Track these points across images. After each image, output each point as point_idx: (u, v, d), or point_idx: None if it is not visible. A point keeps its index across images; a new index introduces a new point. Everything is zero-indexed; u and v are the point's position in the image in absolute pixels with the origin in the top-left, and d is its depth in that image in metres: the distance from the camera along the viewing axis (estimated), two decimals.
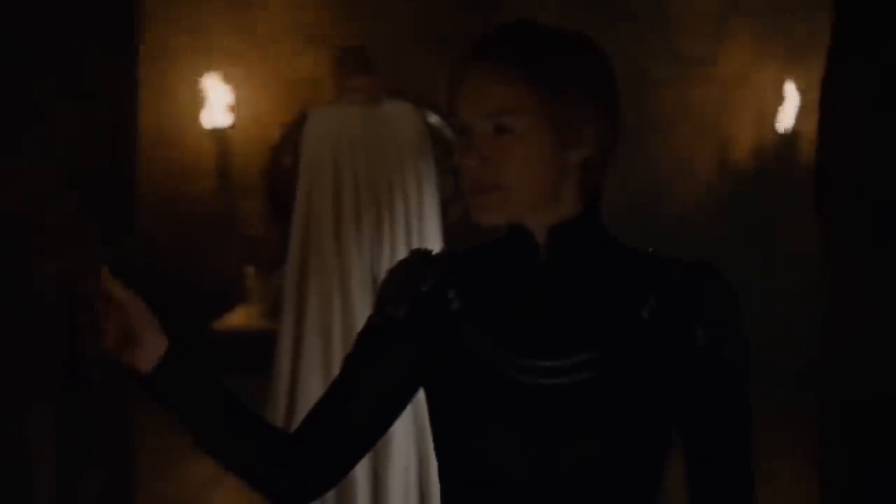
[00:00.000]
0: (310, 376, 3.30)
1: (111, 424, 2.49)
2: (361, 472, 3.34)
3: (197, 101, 4.98)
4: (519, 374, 1.48)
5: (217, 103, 4.98)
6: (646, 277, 1.53)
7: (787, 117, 4.90)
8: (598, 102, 1.52)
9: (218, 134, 5.05)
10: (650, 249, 1.58)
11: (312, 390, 3.21)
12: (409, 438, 3.35)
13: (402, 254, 3.37)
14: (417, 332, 1.54)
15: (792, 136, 4.82)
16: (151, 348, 1.52)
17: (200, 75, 4.94)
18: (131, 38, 2.40)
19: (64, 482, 2.35)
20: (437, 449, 1.52)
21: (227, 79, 4.98)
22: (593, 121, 1.52)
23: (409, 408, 1.59)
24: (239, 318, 4.74)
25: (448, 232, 3.35)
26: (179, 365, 1.54)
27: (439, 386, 1.52)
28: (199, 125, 5.04)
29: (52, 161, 2.18)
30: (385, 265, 3.37)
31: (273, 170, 3.41)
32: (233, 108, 5.04)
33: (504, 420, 1.48)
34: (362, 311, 3.34)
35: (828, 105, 2.70)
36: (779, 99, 4.97)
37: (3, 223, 2.22)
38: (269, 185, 3.45)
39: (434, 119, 3.35)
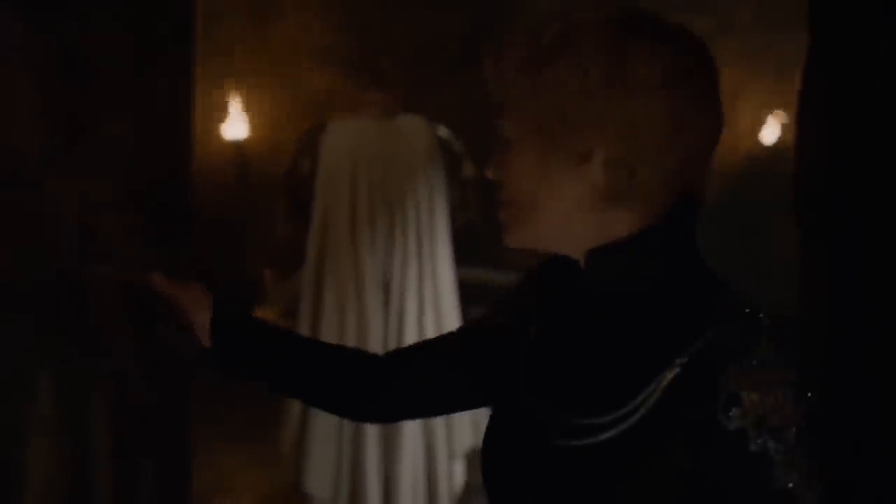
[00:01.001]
0: None
1: (171, 414, 2.55)
2: (372, 467, 3.39)
3: (218, 115, 5.12)
4: (554, 433, 1.29)
5: (236, 116, 5.15)
6: (696, 320, 1.25)
7: (774, 130, 4.97)
8: (601, 101, 1.24)
9: (237, 145, 5.23)
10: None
11: None
12: (417, 435, 3.42)
13: (413, 257, 3.52)
14: (504, 349, 1.40)
15: (779, 148, 4.84)
16: (203, 326, 1.52)
17: (221, 89, 5.05)
18: (187, 50, 2.46)
19: (122, 471, 2.43)
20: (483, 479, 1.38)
21: (246, 94, 5.13)
22: (597, 122, 1.25)
23: None
24: None
25: (455, 238, 3.46)
26: (230, 326, 1.52)
27: (490, 418, 1.40)
28: (220, 136, 5.18)
29: (110, 169, 2.22)
30: (397, 268, 3.48)
31: (292, 174, 3.47)
32: (251, 122, 5.19)
33: (536, 481, 1.31)
34: (375, 313, 3.45)
35: (804, 120, 2.72)
36: (767, 112, 5.04)
37: (64, 228, 2.26)
38: (288, 188, 3.51)
39: (443, 132, 3.46)
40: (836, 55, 2.66)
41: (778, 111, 4.95)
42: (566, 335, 1.33)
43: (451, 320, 3.53)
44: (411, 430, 3.38)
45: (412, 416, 1.60)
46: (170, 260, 2.37)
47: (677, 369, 1.23)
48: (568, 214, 1.28)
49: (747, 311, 1.24)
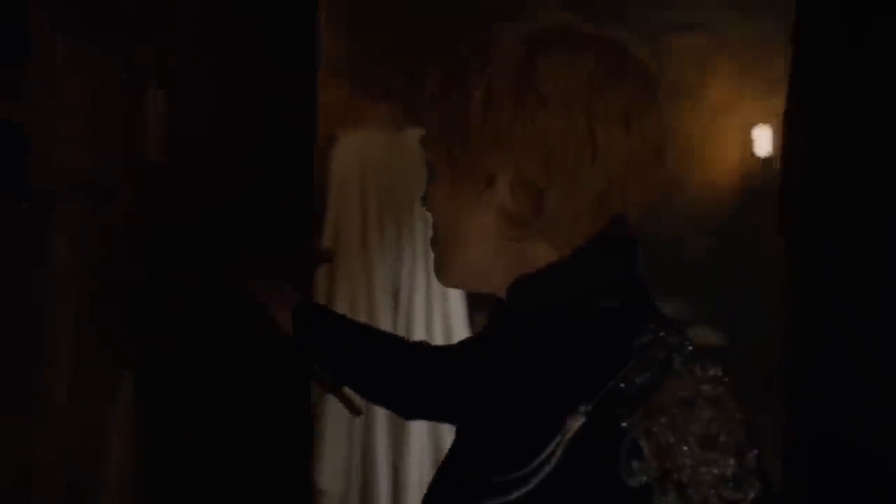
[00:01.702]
0: None
1: (294, 413, 2.60)
2: (381, 461, 3.50)
3: None
4: (475, 490, 1.11)
5: None
6: (607, 361, 1.08)
7: (765, 142, 5.06)
8: (506, 120, 1.09)
9: None
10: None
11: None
12: (424, 429, 3.51)
13: (421, 265, 3.63)
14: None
15: (770, 159, 4.90)
16: (287, 322, 1.64)
17: None
18: (313, 62, 2.53)
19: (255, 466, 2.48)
20: None
21: None
22: (503, 142, 1.09)
23: None
24: None
25: None
26: (308, 321, 1.63)
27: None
28: None
29: (238, 174, 2.29)
30: (405, 274, 3.63)
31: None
32: None
33: None
34: (385, 316, 3.59)
35: (789, 131, 2.74)
36: (758, 125, 5.12)
37: (188, 231, 2.33)
38: None
39: None
40: (817, 70, 2.67)
41: (766, 125, 5.03)
42: (495, 375, 1.18)
43: (459, 327, 3.65)
44: (418, 425, 3.43)
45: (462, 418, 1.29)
46: (294, 258, 2.45)
47: (582, 418, 1.06)
48: (484, 248, 1.14)
49: (665, 348, 1.08)
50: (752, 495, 1.03)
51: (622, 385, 1.07)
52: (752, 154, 5.22)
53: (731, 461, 1.04)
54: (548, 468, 1.07)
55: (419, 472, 3.50)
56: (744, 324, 4.80)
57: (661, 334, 1.09)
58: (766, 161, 5.00)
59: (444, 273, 1.19)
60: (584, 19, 1.16)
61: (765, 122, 5.04)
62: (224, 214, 2.29)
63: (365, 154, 3.64)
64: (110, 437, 2.34)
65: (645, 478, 1.03)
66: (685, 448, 1.03)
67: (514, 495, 1.07)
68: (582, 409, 1.07)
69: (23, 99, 2.06)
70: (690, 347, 1.09)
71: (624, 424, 1.05)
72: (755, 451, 1.05)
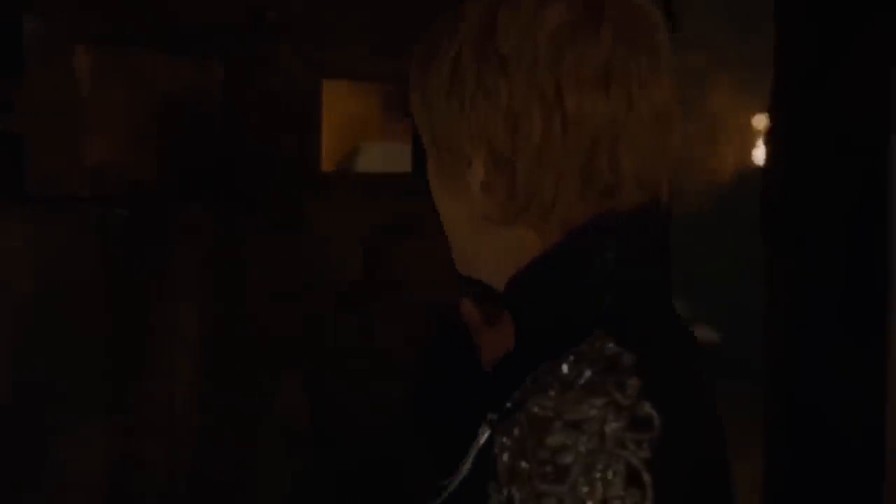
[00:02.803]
0: None
1: None
2: None
3: None
4: (426, 494, 1.06)
5: None
6: (528, 369, 0.93)
7: (761, 152, 5.14)
8: (467, 96, 0.94)
9: None
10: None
11: None
12: None
13: None
14: None
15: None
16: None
17: None
18: None
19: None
20: None
21: None
22: (465, 122, 0.95)
23: None
24: None
25: None
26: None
27: None
28: None
29: None
30: None
31: None
32: None
33: None
34: None
35: (770, 145, 2.87)
36: (755, 136, 5.32)
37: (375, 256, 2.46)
38: None
39: None
40: (795, 88, 2.77)
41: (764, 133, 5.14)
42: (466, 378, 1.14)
43: None
44: None
45: None
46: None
47: (487, 431, 0.97)
48: (471, 233, 1.02)
49: (588, 359, 0.90)
50: None
51: (518, 398, 0.92)
52: (751, 163, 5.35)
53: (577, 496, 0.86)
54: (459, 478, 1.00)
55: None
56: (740, 324, 4.93)
57: (598, 344, 0.92)
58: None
59: (455, 259, 1.06)
60: None
61: (762, 134, 5.19)
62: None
63: (385, 164, 3.86)
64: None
65: (498, 498, 0.89)
66: (525, 474, 0.88)
67: (438, 501, 1.02)
68: (490, 416, 0.97)
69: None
70: (608, 353, 0.90)
71: (502, 439, 0.90)
72: (619, 486, 0.86)
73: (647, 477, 0.86)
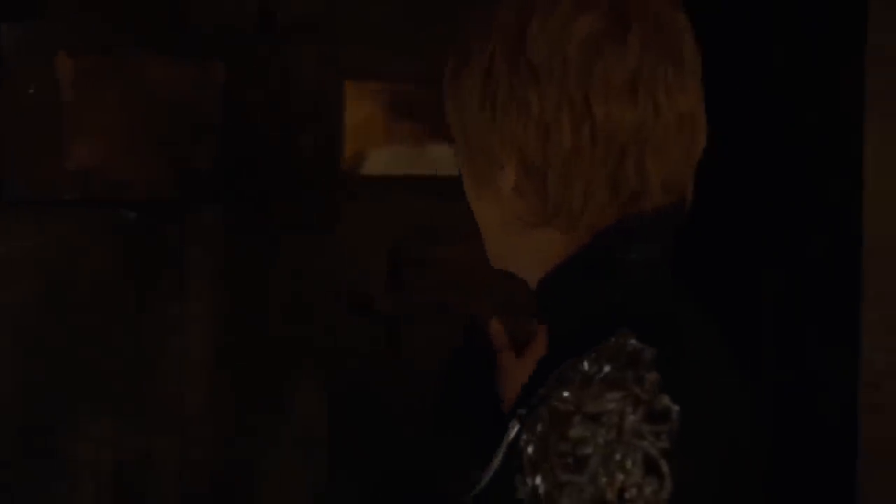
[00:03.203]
0: None
1: None
2: None
3: None
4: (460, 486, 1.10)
5: None
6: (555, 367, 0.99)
7: None
8: (499, 105, 1.00)
9: None
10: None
11: None
12: None
13: None
14: None
15: None
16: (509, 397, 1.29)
17: None
18: None
19: None
20: None
21: None
22: (498, 130, 1.01)
23: None
24: None
25: None
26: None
27: None
28: None
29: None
30: None
31: None
32: None
33: None
34: None
35: None
36: None
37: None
38: None
39: None
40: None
41: None
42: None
43: None
44: None
45: None
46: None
47: (516, 426, 1.00)
48: (504, 233, 1.09)
49: (609, 356, 0.95)
50: None
51: (542, 393, 0.98)
52: None
53: (598, 485, 0.90)
54: (491, 472, 1.04)
55: None
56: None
57: (620, 341, 0.96)
58: None
59: (489, 255, 1.13)
60: None
61: None
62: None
63: (392, 168, 3.86)
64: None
65: (523, 494, 0.95)
66: (548, 466, 0.93)
67: (472, 493, 1.06)
68: (519, 412, 1.01)
69: None
70: (629, 349, 0.95)
71: (526, 433, 0.96)
72: (639, 475, 0.90)
73: (665, 466, 0.90)
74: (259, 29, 2.44)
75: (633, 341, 0.95)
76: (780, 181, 2.73)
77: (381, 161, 4.13)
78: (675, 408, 0.92)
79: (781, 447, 2.62)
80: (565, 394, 0.94)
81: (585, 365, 0.95)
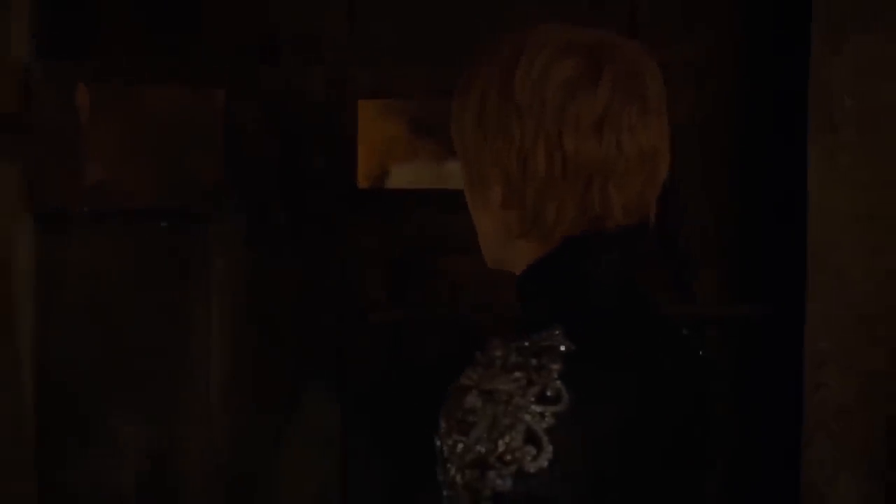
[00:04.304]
0: None
1: None
2: None
3: None
4: None
5: None
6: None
7: None
8: (489, 133, 1.15)
9: None
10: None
11: None
12: None
13: None
14: None
15: None
16: None
17: None
18: None
19: None
20: None
21: None
22: (488, 153, 1.17)
23: None
24: None
25: None
26: None
27: None
28: None
29: None
30: None
31: None
32: None
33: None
34: None
35: None
36: None
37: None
38: None
39: None
40: None
41: None
42: None
43: None
44: None
45: None
46: None
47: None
48: (494, 239, 1.24)
49: (534, 349, 1.09)
50: (494, 484, 1.02)
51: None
52: None
53: (480, 448, 1.03)
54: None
55: None
56: None
57: (545, 334, 1.08)
58: None
59: (485, 258, 1.27)
60: (582, 26, 1.19)
61: None
62: None
63: (414, 182, 4.02)
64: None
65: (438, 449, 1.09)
66: (445, 430, 1.07)
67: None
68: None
69: None
70: (557, 350, 1.07)
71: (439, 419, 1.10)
72: (514, 445, 1.02)
73: (545, 439, 1.02)
74: (262, 54, 2.66)
75: (557, 333, 1.08)
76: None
77: (394, 176, 4.31)
78: (567, 395, 1.04)
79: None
80: (470, 373, 1.08)
81: (498, 352, 1.09)
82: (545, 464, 1.01)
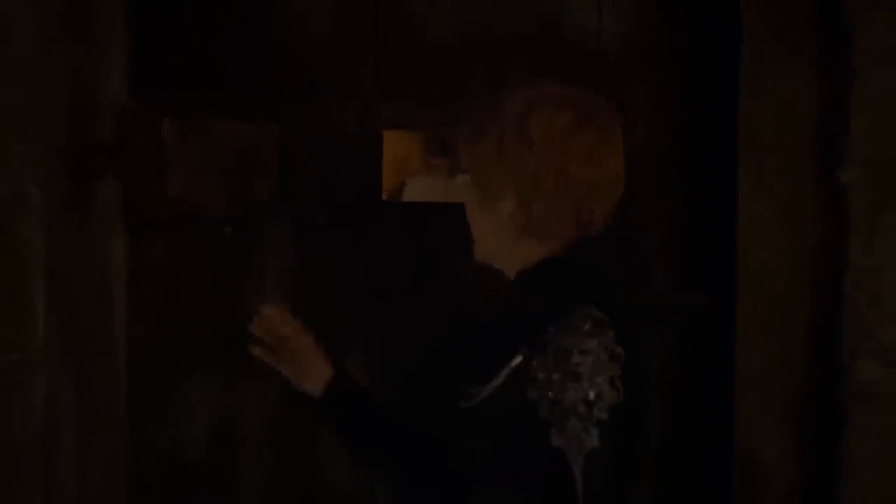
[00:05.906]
0: None
1: None
2: None
3: None
4: (451, 397, 1.53)
5: None
6: (546, 325, 1.42)
7: None
8: (507, 160, 1.42)
9: None
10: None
11: None
12: None
13: None
14: None
15: None
16: (318, 375, 1.66)
17: None
18: None
19: None
20: None
21: None
22: (506, 176, 1.43)
23: None
24: None
25: None
26: (343, 389, 1.66)
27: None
28: None
29: None
30: None
31: None
32: None
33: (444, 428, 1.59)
34: None
35: None
36: None
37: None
38: None
39: None
40: None
41: None
42: (488, 327, 1.55)
43: None
44: None
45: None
46: None
47: (520, 357, 1.42)
48: (497, 240, 1.49)
49: (583, 318, 1.38)
50: (602, 416, 1.35)
51: (544, 338, 1.40)
52: None
53: (589, 390, 1.34)
54: (492, 386, 1.44)
55: None
56: None
57: (588, 311, 1.37)
58: None
59: (477, 253, 1.53)
60: (571, 87, 1.49)
61: None
62: None
63: (427, 195, 4.34)
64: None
65: (535, 395, 1.38)
66: (556, 379, 1.36)
67: (472, 403, 1.46)
68: (523, 350, 1.43)
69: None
70: (596, 317, 1.38)
71: (534, 363, 1.38)
72: (606, 387, 1.34)
73: (619, 384, 1.39)
74: (308, 94, 2.95)
75: (595, 311, 1.39)
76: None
77: (413, 190, 4.72)
78: (620, 350, 1.40)
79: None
80: (568, 339, 1.37)
81: (578, 322, 1.37)
82: (620, 399, 1.40)
